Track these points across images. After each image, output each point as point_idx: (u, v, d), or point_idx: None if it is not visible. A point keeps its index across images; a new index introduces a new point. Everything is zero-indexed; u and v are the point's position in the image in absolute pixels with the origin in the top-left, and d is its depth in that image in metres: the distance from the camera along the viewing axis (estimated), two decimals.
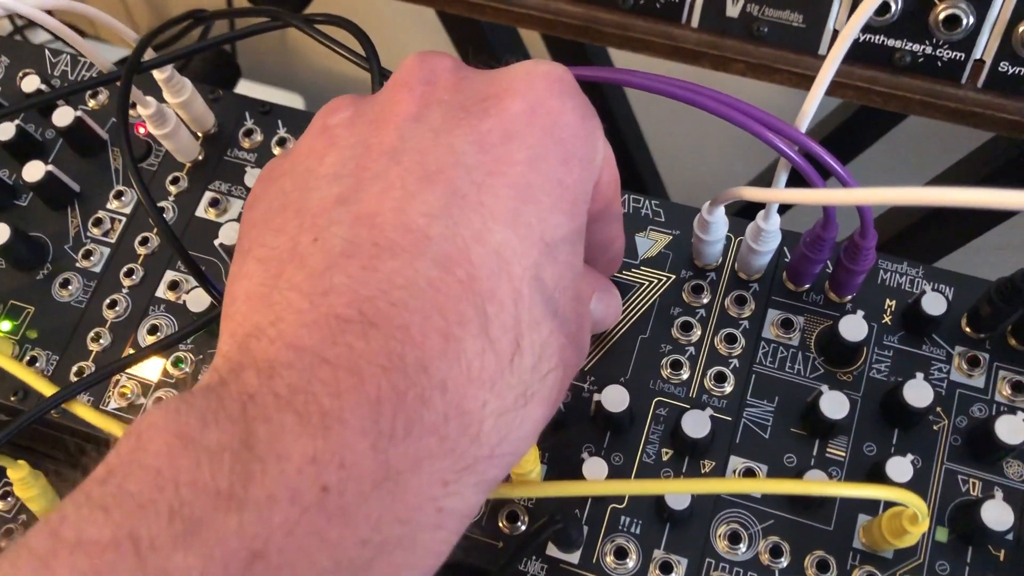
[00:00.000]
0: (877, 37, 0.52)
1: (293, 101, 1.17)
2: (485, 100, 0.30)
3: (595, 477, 0.42)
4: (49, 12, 0.41)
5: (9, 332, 0.50)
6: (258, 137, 0.53)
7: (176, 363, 0.48)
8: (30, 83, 0.54)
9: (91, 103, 0.55)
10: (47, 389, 0.40)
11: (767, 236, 0.43)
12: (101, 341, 0.49)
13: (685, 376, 0.45)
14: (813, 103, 0.37)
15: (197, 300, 0.47)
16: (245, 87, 1.06)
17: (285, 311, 0.25)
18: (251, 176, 0.49)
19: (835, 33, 0.53)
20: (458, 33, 0.87)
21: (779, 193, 0.37)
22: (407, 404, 0.24)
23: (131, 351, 0.49)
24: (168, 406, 0.24)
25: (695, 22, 0.57)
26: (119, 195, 0.52)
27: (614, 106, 0.98)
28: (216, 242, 0.48)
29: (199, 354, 0.48)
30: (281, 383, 0.24)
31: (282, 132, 0.53)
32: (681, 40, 0.57)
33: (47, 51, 0.57)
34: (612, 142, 0.35)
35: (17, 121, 0.53)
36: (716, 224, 0.44)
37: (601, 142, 0.33)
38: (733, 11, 0.55)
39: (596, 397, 0.43)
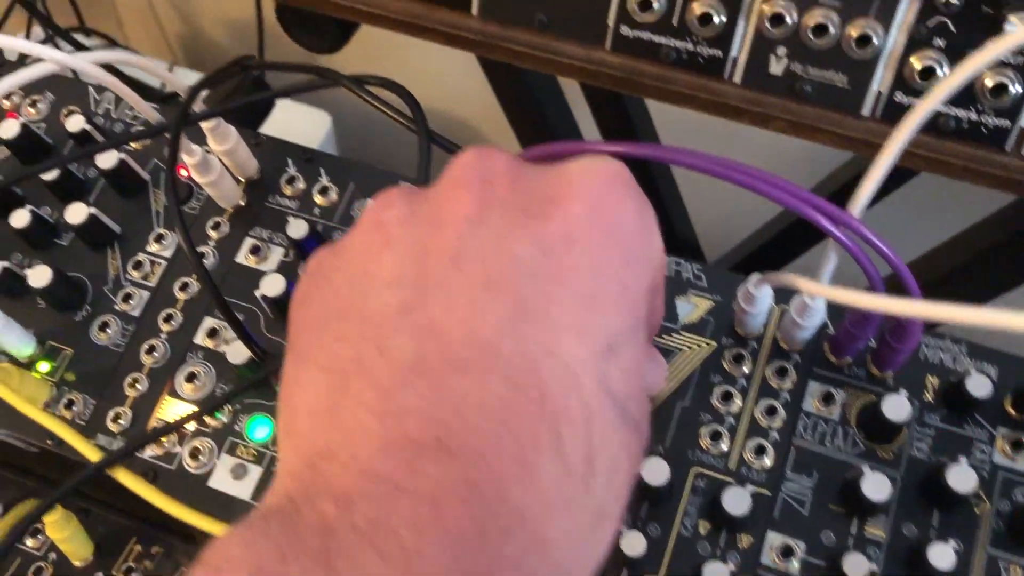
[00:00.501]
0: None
1: (322, 119, 1.17)
2: (545, 202, 0.29)
3: (633, 550, 0.42)
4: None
5: (47, 374, 0.50)
6: (300, 185, 0.53)
7: (213, 413, 0.48)
8: (75, 122, 0.54)
9: (133, 144, 0.55)
10: (92, 454, 0.40)
11: (813, 313, 0.43)
12: (138, 387, 0.49)
13: (724, 447, 0.45)
14: (869, 191, 0.37)
15: (237, 352, 0.47)
16: (280, 105, 1.06)
17: (355, 432, 0.25)
18: (294, 226, 0.49)
19: (879, 95, 0.53)
20: (498, 79, 0.87)
21: (837, 293, 0.36)
22: (488, 539, 0.24)
23: (168, 398, 0.49)
24: (244, 535, 0.24)
25: (737, 78, 0.56)
26: (160, 238, 0.52)
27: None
28: (258, 292, 0.48)
29: (236, 405, 0.48)
30: (360, 515, 0.24)
31: (324, 181, 0.53)
32: (722, 95, 0.57)
33: (91, 88, 0.58)
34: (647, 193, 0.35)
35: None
36: (761, 299, 0.44)
37: (658, 235, 0.33)
38: (776, 69, 0.55)
39: None
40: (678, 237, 1.02)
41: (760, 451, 0.45)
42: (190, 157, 0.48)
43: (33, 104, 0.57)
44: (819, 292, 0.39)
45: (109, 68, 0.57)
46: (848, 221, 0.37)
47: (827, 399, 0.45)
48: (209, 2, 1.36)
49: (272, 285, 0.48)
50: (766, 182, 0.37)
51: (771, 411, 0.45)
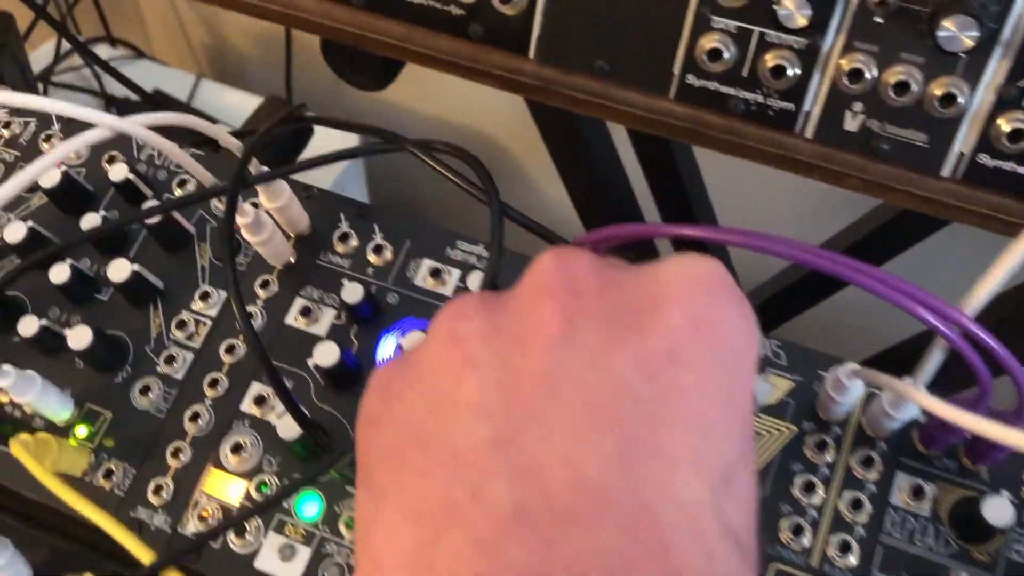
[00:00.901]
0: (1008, 164, 0.49)
1: (350, 139, 1.14)
2: (640, 312, 0.27)
3: None
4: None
5: (85, 439, 0.48)
6: (353, 242, 0.50)
7: (260, 487, 0.46)
8: (118, 172, 0.51)
9: (177, 192, 0.53)
10: (143, 555, 0.37)
11: (907, 407, 0.40)
12: (181, 457, 0.47)
13: (807, 543, 0.42)
14: (986, 292, 0.34)
15: (288, 427, 0.44)
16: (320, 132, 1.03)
17: None
18: (349, 290, 0.47)
19: (960, 155, 0.50)
20: (543, 115, 0.84)
21: (943, 408, 0.33)
22: None
23: (213, 470, 0.46)
24: None
25: (809, 132, 0.54)
26: (205, 296, 0.50)
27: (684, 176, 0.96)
28: (310, 361, 0.46)
29: (283, 478, 0.46)
30: None
31: (378, 238, 0.50)
32: (793, 150, 0.54)
33: None
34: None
35: (103, 213, 0.50)
36: (852, 389, 0.41)
37: (758, 339, 0.30)
38: (852, 125, 0.52)
39: None
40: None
41: (845, 548, 0.42)
42: (243, 217, 0.46)
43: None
44: (924, 403, 0.36)
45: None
46: (959, 319, 0.34)
47: (917, 493, 0.42)
48: (236, 13, 1.34)
49: (325, 355, 0.45)
50: (875, 279, 0.34)
51: (856, 504, 0.43)
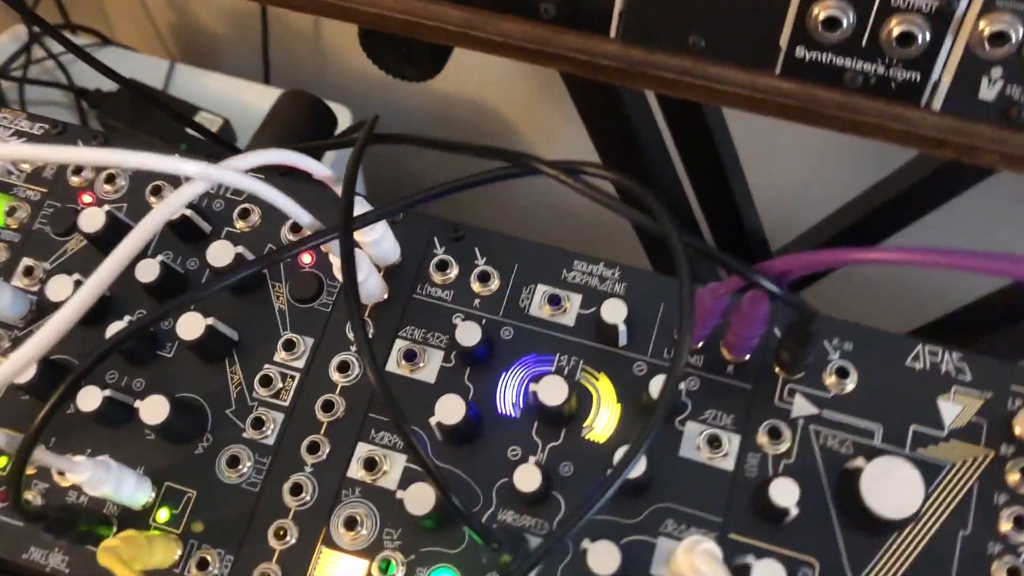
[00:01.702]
0: None
1: (343, 114, 1.06)
2: None
3: None
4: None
5: (168, 523, 0.41)
6: (453, 271, 0.44)
7: (384, 568, 0.39)
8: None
9: (239, 224, 0.46)
10: None
11: None
12: (287, 538, 0.40)
13: None
14: None
15: (420, 499, 0.38)
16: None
17: None
18: (464, 330, 0.40)
19: None
20: (582, 91, 0.77)
21: None
22: None
23: (325, 550, 0.40)
24: None
25: (937, 104, 0.48)
26: (290, 345, 0.43)
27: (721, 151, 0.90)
28: (432, 420, 0.39)
29: (409, 554, 0.40)
30: None
31: (482, 264, 0.44)
32: (919, 125, 0.49)
33: None
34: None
35: (161, 258, 0.43)
36: None
37: None
38: (988, 93, 0.46)
39: None
40: (747, 230, 0.94)
41: None
42: (336, 258, 0.39)
43: (110, 180, 0.47)
44: None
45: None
46: None
47: None
48: None
49: (450, 412, 0.39)
50: None
51: None
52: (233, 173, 0.30)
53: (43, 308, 0.44)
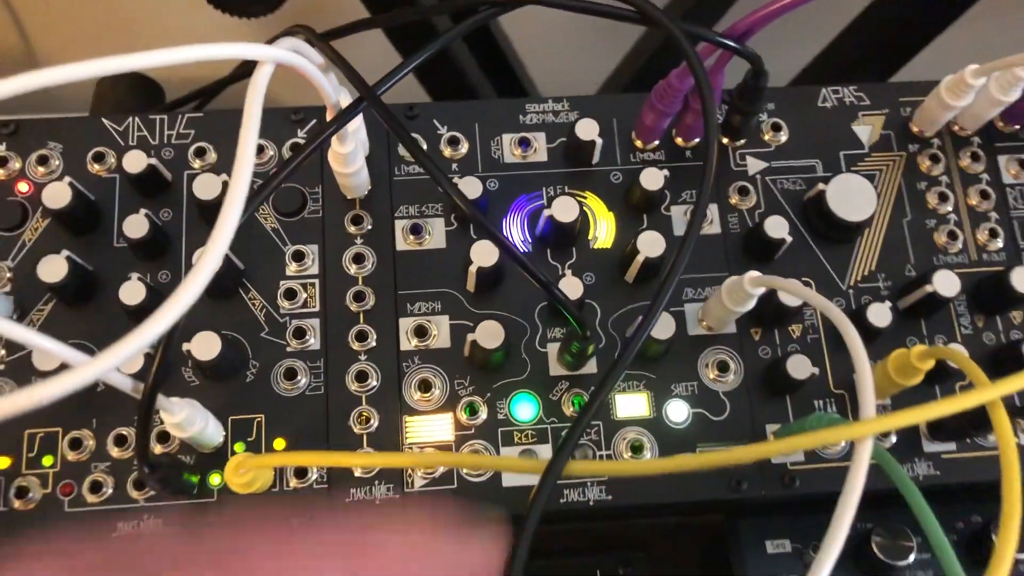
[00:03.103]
0: None
1: None
2: None
3: None
4: None
5: (247, 451, 0.42)
6: (423, 146, 0.46)
7: (469, 410, 0.43)
8: (135, 162, 0.43)
9: (197, 163, 0.46)
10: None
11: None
12: (370, 422, 0.42)
13: (960, 245, 0.46)
14: None
15: (491, 335, 0.41)
16: None
17: None
18: (466, 184, 0.43)
19: None
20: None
21: None
22: None
23: (409, 419, 0.43)
24: None
25: None
26: (298, 256, 0.44)
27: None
28: (471, 269, 0.42)
29: (485, 393, 0.43)
30: None
31: (446, 133, 0.47)
32: None
33: (105, 123, 0.46)
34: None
35: (144, 212, 0.43)
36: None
37: None
38: None
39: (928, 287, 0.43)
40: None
41: (993, 235, 0.47)
42: (342, 146, 0.41)
43: (43, 161, 0.45)
44: None
45: None
46: None
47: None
48: None
49: (485, 256, 0.42)
50: None
51: (984, 195, 0.47)
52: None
53: (35, 293, 0.43)
